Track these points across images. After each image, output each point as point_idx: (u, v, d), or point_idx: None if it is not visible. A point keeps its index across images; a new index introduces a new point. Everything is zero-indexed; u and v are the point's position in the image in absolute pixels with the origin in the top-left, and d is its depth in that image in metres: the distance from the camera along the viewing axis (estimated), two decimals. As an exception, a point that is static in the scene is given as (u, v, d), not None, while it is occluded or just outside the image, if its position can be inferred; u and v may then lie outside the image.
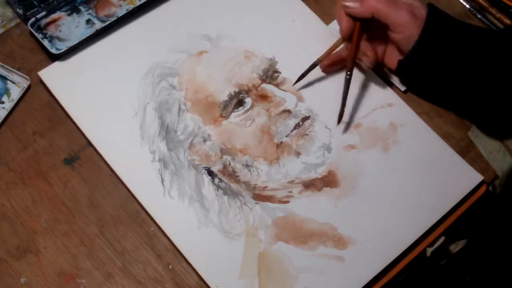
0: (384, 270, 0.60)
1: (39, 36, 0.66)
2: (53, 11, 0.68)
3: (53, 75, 0.66)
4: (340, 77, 0.69)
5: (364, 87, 0.69)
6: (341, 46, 0.66)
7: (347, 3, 0.62)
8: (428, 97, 0.68)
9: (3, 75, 0.66)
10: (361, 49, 0.65)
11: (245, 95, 0.66)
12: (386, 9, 0.61)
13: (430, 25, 0.61)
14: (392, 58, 0.66)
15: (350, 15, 0.63)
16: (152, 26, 0.70)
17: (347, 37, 0.64)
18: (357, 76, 0.69)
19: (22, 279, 0.58)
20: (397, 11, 0.61)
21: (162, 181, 0.62)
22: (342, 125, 0.66)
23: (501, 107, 0.63)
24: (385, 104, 0.68)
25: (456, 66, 0.61)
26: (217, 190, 0.62)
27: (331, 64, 0.68)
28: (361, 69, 0.70)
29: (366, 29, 0.64)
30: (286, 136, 0.65)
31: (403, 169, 0.64)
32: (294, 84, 0.67)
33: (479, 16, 0.76)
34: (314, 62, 0.66)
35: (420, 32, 0.60)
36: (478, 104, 0.64)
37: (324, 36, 0.71)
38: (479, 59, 0.60)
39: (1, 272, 0.58)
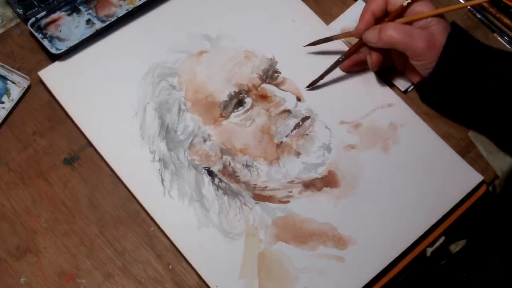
0: (384, 270, 0.60)
1: (39, 36, 0.66)
2: (53, 11, 0.68)
3: (53, 75, 0.66)
4: (340, 77, 0.69)
5: (364, 87, 0.69)
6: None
7: (367, 36, 0.64)
8: (450, 116, 0.68)
9: (3, 75, 0.66)
10: (374, 57, 0.65)
11: (245, 95, 0.66)
12: (403, 41, 0.61)
13: (450, 48, 0.60)
14: (413, 75, 0.67)
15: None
16: (152, 26, 0.70)
17: (358, 36, 0.65)
18: (357, 76, 0.69)
19: (22, 279, 0.58)
20: (414, 41, 0.61)
21: (162, 181, 0.62)
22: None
23: None
24: (385, 104, 0.68)
25: (476, 89, 0.61)
26: (217, 190, 0.62)
27: (353, 65, 0.69)
28: (361, 69, 0.70)
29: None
30: (286, 136, 0.65)
31: (403, 169, 0.64)
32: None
33: (479, 16, 0.76)
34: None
35: (440, 55, 0.60)
36: (499, 125, 0.64)
37: (324, 35, 0.71)
38: (498, 83, 0.60)
39: (1, 272, 0.58)
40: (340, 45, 0.71)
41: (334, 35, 0.68)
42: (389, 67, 0.69)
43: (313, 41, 0.69)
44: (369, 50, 0.65)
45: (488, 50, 0.62)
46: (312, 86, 0.67)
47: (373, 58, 0.65)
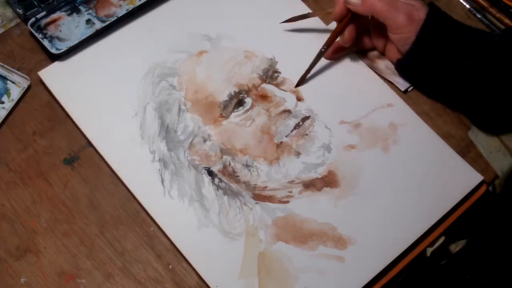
0: (384, 270, 0.60)
1: (39, 36, 0.66)
2: (53, 11, 0.68)
3: (53, 75, 0.66)
4: (340, 78, 0.69)
5: (364, 87, 0.69)
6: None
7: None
8: (428, 94, 0.69)
9: (3, 75, 0.66)
10: (346, 33, 0.66)
11: (245, 95, 0.66)
12: (385, 10, 0.62)
13: (428, 27, 0.62)
14: (392, 53, 0.67)
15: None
16: (152, 26, 0.70)
17: (337, 20, 0.66)
18: (358, 76, 0.69)
19: (22, 279, 0.58)
20: (396, 13, 0.62)
21: (162, 181, 0.62)
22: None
23: (498, 108, 0.64)
24: (385, 104, 0.68)
25: (453, 68, 0.62)
26: (217, 190, 0.62)
27: (335, 51, 0.69)
28: (361, 69, 0.70)
29: (360, 20, 0.66)
30: (286, 136, 0.65)
31: (403, 169, 0.64)
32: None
33: (479, 16, 0.76)
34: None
35: (417, 33, 0.62)
36: (475, 104, 0.65)
37: (324, 35, 0.71)
38: (475, 63, 0.61)
39: (1, 272, 0.58)
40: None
41: (311, 12, 0.70)
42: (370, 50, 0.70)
43: (289, 17, 0.70)
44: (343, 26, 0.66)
45: (466, 29, 0.63)
46: (301, 82, 0.68)
47: (346, 33, 0.66)
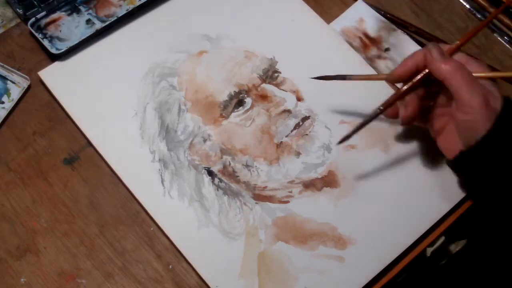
0: (384, 270, 0.60)
1: (39, 36, 0.66)
2: (53, 11, 0.68)
3: (53, 75, 0.66)
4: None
5: (364, 87, 0.69)
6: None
7: (434, 51, 0.56)
8: (479, 201, 0.62)
9: (3, 75, 0.66)
10: (408, 99, 0.58)
11: (245, 95, 0.66)
12: (462, 81, 0.54)
13: (504, 118, 0.54)
14: (449, 141, 0.59)
15: (425, 65, 0.57)
16: (152, 26, 0.70)
17: (392, 80, 0.61)
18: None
19: (22, 279, 0.58)
20: (472, 90, 0.54)
21: (162, 181, 0.62)
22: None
23: None
24: (385, 104, 0.68)
25: None
26: (217, 190, 0.62)
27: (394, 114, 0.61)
28: (361, 69, 0.69)
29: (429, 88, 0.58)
30: (286, 136, 0.65)
31: (403, 169, 0.64)
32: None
33: (479, 16, 0.76)
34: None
35: (494, 121, 0.54)
36: None
37: (325, 35, 0.71)
38: None
39: (1, 272, 0.58)
40: (340, 41, 0.71)
41: (349, 75, 0.62)
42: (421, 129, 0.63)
43: (324, 75, 0.64)
44: (405, 101, 0.58)
45: None
46: (344, 141, 0.60)
47: (408, 110, 0.58)
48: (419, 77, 0.57)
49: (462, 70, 0.55)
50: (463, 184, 0.64)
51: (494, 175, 0.56)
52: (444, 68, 0.55)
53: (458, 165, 0.59)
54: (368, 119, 0.59)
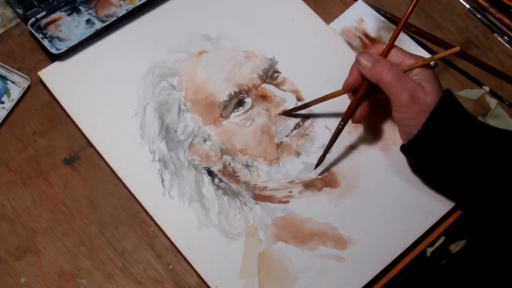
0: (384, 270, 0.60)
1: (39, 36, 0.66)
2: (53, 11, 0.68)
3: (53, 75, 0.66)
4: (339, 77, 0.69)
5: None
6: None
7: (362, 59, 0.60)
8: (430, 181, 0.64)
9: (3, 75, 0.66)
10: (358, 112, 0.62)
11: (245, 95, 0.66)
12: (391, 83, 0.58)
13: (439, 111, 0.57)
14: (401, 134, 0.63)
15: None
16: (152, 26, 0.70)
17: (347, 90, 0.62)
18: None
19: (22, 279, 0.58)
20: (400, 89, 0.57)
21: (162, 181, 0.62)
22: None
23: (501, 204, 0.58)
24: (385, 104, 0.68)
25: (462, 159, 0.57)
26: (217, 190, 0.62)
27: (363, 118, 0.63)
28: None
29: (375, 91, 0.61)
30: (286, 136, 0.65)
31: (403, 169, 0.64)
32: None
33: (479, 16, 0.76)
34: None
35: (428, 116, 0.56)
36: (477, 198, 0.59)
37: (325, 35, 0.71)
38: (487, 157, 0.56)
39: (1, 272, 0.58)
40: (340, 41, 0.71)
41: (309, 102, 0.65)
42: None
43: (287, 111, 0.66)
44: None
45: (480, 123, 0.58)
46: (319, 163, 0.63)
47: (357, 112, 0.62)
48: (361, 90, 0.61)
49: (389, 71, 0.58)
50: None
51: (437, 169, 0.59)
52: (372, 74, 0.59)
53: (406, 154, 0.62)
54: (333, 137, 0.62)
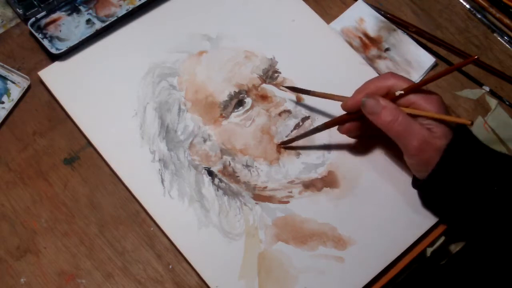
0: (384, 270, 0.60)
1: (39, 36, 0.66)
2: (53, 11, 0.68)
3: (53, 75, 0.66)
4: (340, 78, 0.69)
5: (364, 87, 0.69)
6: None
7: (368, 104, 0.57)
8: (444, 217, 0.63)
9: (3, 75, 0.66)
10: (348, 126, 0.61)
11: (245, 95, 0.66)
12: (399, 133, 0.56)
13: (449, 154, 0.55)
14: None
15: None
16: (152, 26, 0.70)
17: (346, 110, 0.61)
18: (358, 76, 0.69)
19: (22, 279, 0.58)
20: (409, 138, 0.56)
21: (162, 181, 0.62)
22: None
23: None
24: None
25: (477, 194, 0.56)
26: (217, 190, 0.62)
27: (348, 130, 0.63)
28: (361, 69, 0.69)
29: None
30: (286, 136, 0.65)
31: (403, 169, 0.64)
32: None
33: (479, 16, 0.76)
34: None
35: (438, 161, 0.55)
36: (491, 232, 0.59)
37: (325, 35, 0.71)
38: (502, 190, 0.55)
39: (1, 272, 0.58)
40: (340, 41, 0.71)
41: (313, 91, 0.64)
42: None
43: (291, 86, 0.66)
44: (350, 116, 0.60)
45: (494, 153, 0.57)
46: (285, 145, 0.64)
47: (346, 124, 0.61)
48: (358, 114, 0.59)
49: (396, 120, 0.56)
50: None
51: (451, 207, 0.59)
52: (379, 123, 0.57)
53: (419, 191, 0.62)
54: (308, 133, 0.63)
